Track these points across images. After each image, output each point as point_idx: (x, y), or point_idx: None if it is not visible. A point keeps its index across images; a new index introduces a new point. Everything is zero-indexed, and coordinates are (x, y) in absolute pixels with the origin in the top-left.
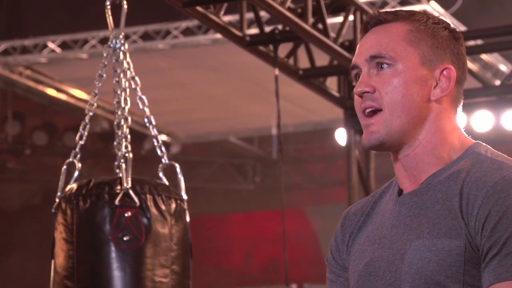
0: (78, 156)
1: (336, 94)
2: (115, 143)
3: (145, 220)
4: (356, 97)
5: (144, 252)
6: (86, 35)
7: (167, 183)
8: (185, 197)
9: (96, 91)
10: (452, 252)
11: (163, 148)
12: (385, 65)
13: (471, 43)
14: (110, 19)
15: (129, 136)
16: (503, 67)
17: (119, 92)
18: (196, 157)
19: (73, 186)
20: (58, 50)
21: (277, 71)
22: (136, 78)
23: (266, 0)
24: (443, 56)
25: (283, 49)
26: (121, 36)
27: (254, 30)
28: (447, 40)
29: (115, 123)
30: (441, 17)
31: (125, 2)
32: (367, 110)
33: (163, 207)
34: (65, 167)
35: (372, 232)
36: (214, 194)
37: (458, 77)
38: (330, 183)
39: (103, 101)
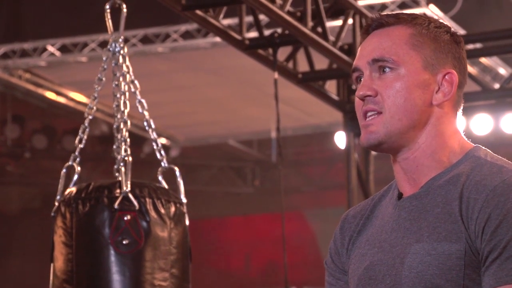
0: (78, 159)
1: (335, 97)
2: (114, 146)
3: (144, 224)
4: (357, 100)
5: (144, 256)
6: (85, 38)
7: (166, 186)
8: (184, 200)
9: (96, 95)
10: (452, 256)
11: (162, 152)
12: (387, 69)
13: (470, 46)
14: (109, 23)
15: (128, 140)
16: (502, 71)
17: (118, 95)
18: (196, 161)
19: (72, 189)
20: (57, 53)
21: (276, 75)
22: (136, 81)
23: (265, 4)
24: (445, 60)
25: (283, 53)
26: (120, 40)
27: (253, 34)
28: (449, 44)
29: (114, 126)
30: (441, 21)
31: (124, 6)
32: (369, 114)
33: (162, 211)
34: (64, 170)
35: (372, 236)
36: (214, 197)
37: (460, 81)
38: (329, 186)
39: (102, 105)
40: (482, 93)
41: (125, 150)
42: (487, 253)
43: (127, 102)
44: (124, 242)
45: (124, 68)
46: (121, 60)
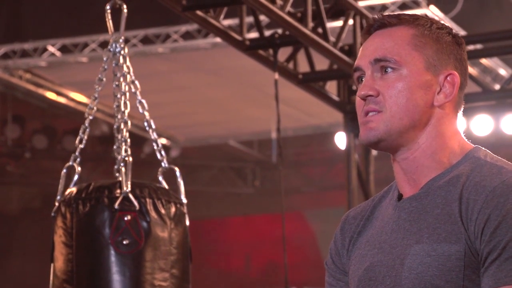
0: (78, 159)
1: (335, 98)
2: (114, 146)
3: (144, 224)
4: (358, 99)
5: (144, 256)
6: (86, 38)
7: (166, 186)
8: (184, 200)
9: (96, 95)
10: (452, 257)
11: (162, 152)
12: (389, 69)
13: (471, 47)
14: (110, 23)
15: (128, 140)
16: (502, 72)
17: (119, 96)
18: (196, 161)
19: (72, 189)
20: (58, 53)
21: (276, 75)
22: (136, 82)
23: (265, 5)
24: (447, 61)
25: (283, 53)
26: (121, 40)
27: (253, 34)
28: (451, 46)
29: (115, 126)
30: (443, 22)
31: (125, 6)
32: (370, 114)
33: (162, 211)
34: (64, 170)
35: (372, 237)
36: (214, 198)
37: (461, 82)
38: (329, 187)
39: (103, 105)
40: (482, 94)
41: (126, 151)
42: (487, 254)
43: (128, 102)
44: (124, 242)
45: (125, 69)
46: (121, 60)
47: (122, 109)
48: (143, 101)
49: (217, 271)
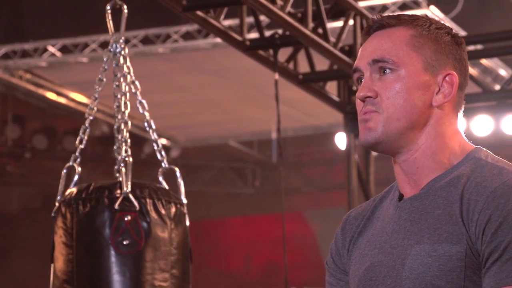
0: (78, 160)
1: (336, 98)
2: (115, 147)
3: (144, 224)
4: (357, 100)
5: (144, 256)
6: (86, 39)
7: (167, 187)
8: (185, 201)
9: (96, 95)
10: (453, 258)
11: (163, 152)
12: (387, 70)
13: (471, 48)
14: (110, 23)
15: (129, 140)
16: (503, 72)
17: (119, 96)
18: (196, 161)
19: (73, 190)
20: (58, 54)
21: (277, 76)
22: (136, 82)
23: (266, 5)
24: (446, 61)
25: (283, 54)
26: (121, 40)
27: (254, 35)
28: (450, 46)
29: (115, 127)
30: (442, 22)
31: (125, 7)
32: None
33: (163, 211)
34: (65, 171)
35: (372, 237)
36: (214, 198)
37: (460, 82)
38: (329, 187)
39: (103, 105)
40: (482, 95)
41: (126, 151)
42: (488, 254)
43: (128, 102)
44: (124, 242)
45: (125, 69)
46: (121, 60)
47: (122, 109)
48: (143, 101)
49: (217, 271)
